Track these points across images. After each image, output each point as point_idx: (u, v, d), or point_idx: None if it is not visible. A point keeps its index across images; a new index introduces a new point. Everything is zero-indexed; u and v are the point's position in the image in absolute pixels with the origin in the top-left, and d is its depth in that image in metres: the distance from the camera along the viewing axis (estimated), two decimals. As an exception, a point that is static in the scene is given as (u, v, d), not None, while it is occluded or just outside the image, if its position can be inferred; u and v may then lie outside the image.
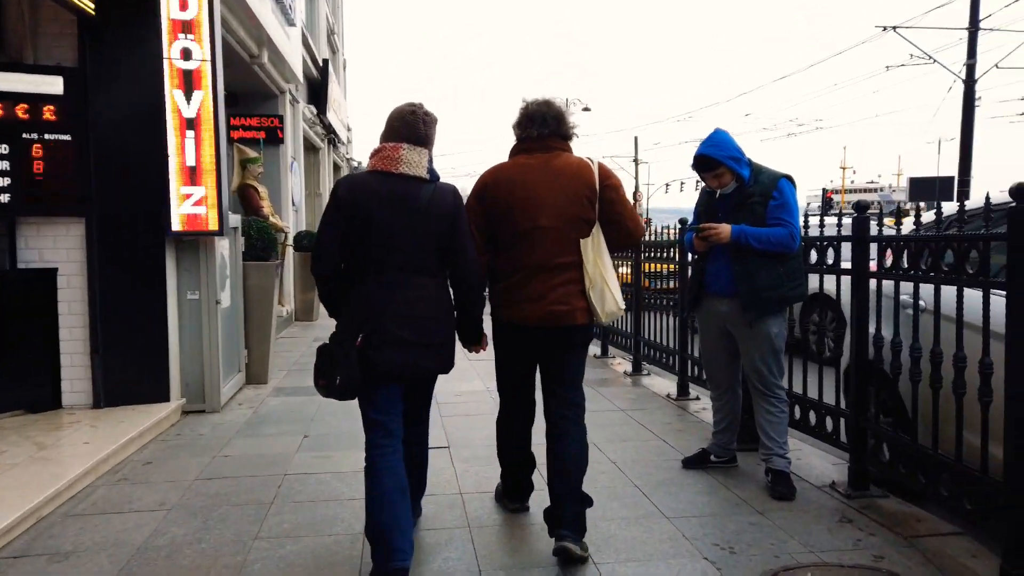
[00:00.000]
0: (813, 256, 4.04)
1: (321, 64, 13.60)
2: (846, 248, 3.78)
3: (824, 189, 27.35)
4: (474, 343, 3.08)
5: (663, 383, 6.39)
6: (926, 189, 26.24)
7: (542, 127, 3.01)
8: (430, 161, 2.80)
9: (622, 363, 7.41)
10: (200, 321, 5.26)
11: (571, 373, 3.08)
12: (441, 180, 2.83)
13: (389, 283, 2.68)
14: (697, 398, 5.72)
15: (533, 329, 2.97)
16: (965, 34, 18.82)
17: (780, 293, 3.64)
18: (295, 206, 11.36)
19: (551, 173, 2.97)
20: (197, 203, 4.93)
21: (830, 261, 3.96)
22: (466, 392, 6.02)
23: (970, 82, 19.08)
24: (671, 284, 6.71)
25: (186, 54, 4.83)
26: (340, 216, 2.68)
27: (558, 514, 2.90)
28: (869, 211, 3.76)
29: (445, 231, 2.76)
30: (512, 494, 3.44)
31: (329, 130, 15.68)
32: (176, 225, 4.90)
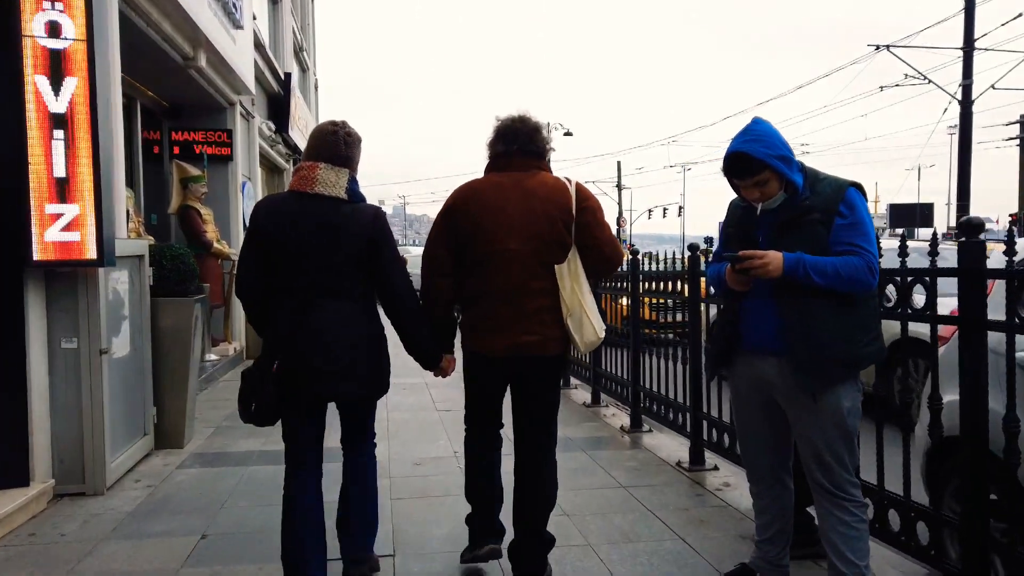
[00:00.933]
0: (889, 294, 2.96)
1: (283, 77, 12.50)
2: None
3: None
4: (428, 366, 2.95)
5: (670, 444, 5.27)
6: (906, 216, 25.85)
7: (516, 143, 2.84)
8: (352, 182, 2.70)
9: (617, 414, 6.26)
10: (79, 376, 4.06)
11: (541, 411, 2.92)
12: (367, 202, 2.74)
13: (301, 306, 2.61)
14: (715, 467, 4.58)
15: (501, 360, 2.79)
16: (960, 54, 18.19)
17: (852, 351, 2.53)
18: (247, 231, 10.18)
19: (524, 192, 2.79)
20: (69, 226, 3.76)
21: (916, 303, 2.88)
22: (428, 460, 4.81)
23: (967, 103, 18.44)
24: (678, 316, 5.65)
25: (53, 29, 3.69)
26: (259, 238, 2.65)
27: (520, 553, 2.89)
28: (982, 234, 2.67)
29: (363, 252, 2.66)
30: (479, 536, 3.04)
31: (294, 150, 14.55)
32: (39, 253, 3.72)
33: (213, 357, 8.32)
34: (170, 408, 5.12)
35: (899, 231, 22.19)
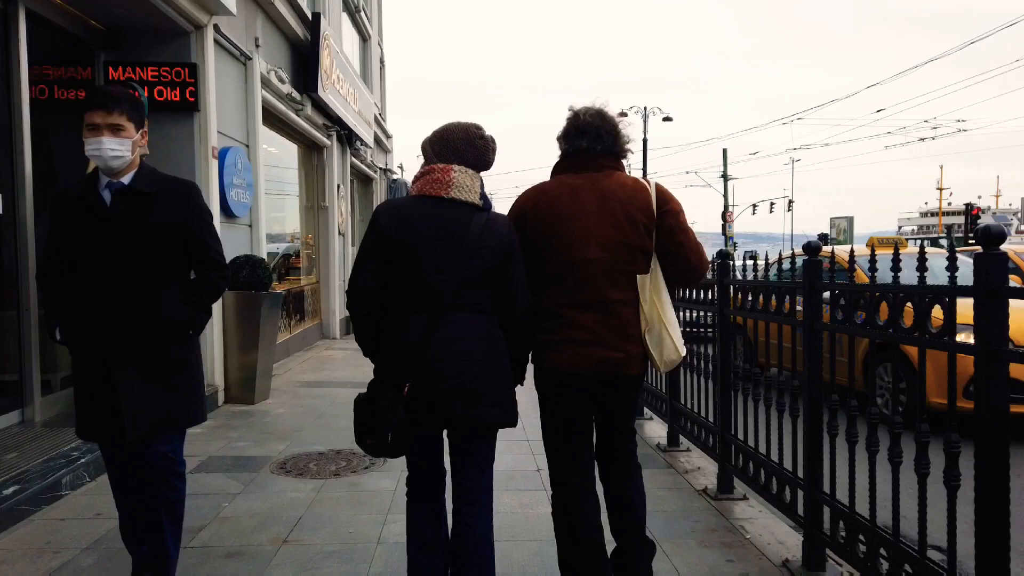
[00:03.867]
0: None
1: (311, 18, 9.56)
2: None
3: (968, 205, 21.83)
4: (520, 379, 2.62)
5: (775, 527, 3.66)
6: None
7: (594, 141, 2.57)
8: (482, 187, 2.46)
9: (702, 467, 4.76)
10: None
11: (623, 423, 2.72)
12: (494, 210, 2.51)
13: (432, 322, 2.34)
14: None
15: (580, 377, 2.52)
16: None
17: None
18: (235, 216, 7.20)
19: (601, 195, 2.53)
20: None
21: None
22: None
23: None
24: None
25: None
26: (379, 247, 2.39)
27: (627, 562, 2.68)
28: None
29: (495, 267, 2.41)
30: None
31: (335, 121, 11.65)
32: None
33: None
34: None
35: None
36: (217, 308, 6.50)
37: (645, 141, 36.09)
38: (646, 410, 6.16)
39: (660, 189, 2.60)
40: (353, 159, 14.06)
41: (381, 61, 19.61)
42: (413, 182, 2.47)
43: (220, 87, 6.71)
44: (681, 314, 4.90)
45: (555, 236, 2.52)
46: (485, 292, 2.42)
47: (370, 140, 14.93)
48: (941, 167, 77.82)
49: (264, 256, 7.88)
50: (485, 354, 2.38)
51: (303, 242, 12.00)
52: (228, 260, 6.83)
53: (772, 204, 56.01)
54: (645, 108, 35.99)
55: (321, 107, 10.68)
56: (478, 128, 2.52)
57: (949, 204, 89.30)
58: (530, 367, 2.67)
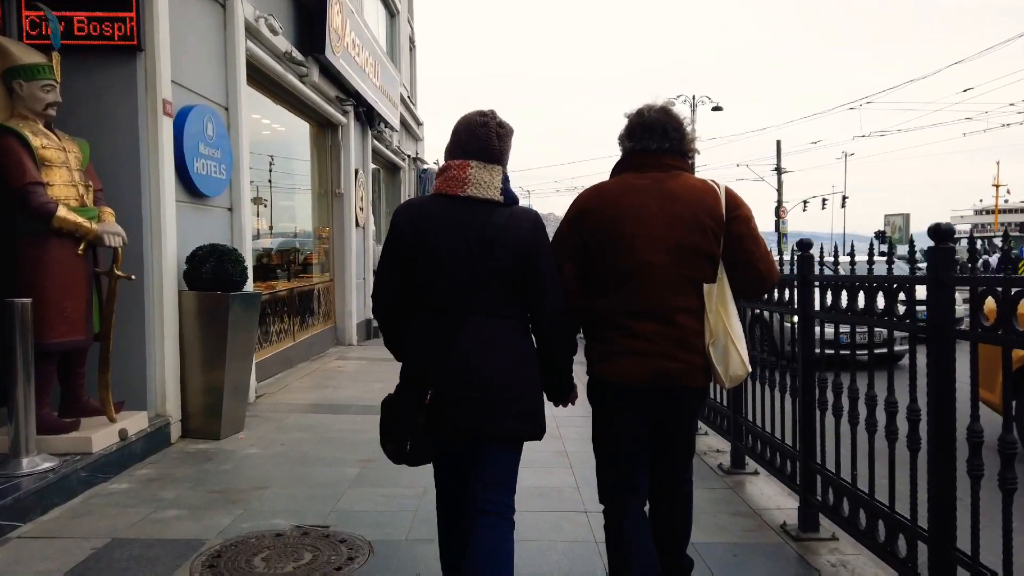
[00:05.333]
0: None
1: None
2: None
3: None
4: (561, 398, 2.49)
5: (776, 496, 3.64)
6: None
7: (661, 140, 2.42)
8: (505, 180, 2.31)
9: (774, 496, 3.87)
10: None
11: (681, 449, 2.55)
12: (520, 204, 2.36)
13: (450, 327, 2.22)
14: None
15: (637, 391, 2.36)
16: None
17: None
18: (204, 196, 5.65)
19: (667, 197, 2.37)
20: None
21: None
22: None
23: None
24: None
25: None
26: (398, 248, 2.29)
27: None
28: None
29: (521, 265, 2.25)
30: None
31: (351, 95, 10.12)
32: None
33: (47, 465, 3.81)
34: None
35: None
36: (171, 313, 4.96)
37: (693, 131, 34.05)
38: (699, 423, 5.00)
39: (730, 193, 2.44)
40: (376, 142, 12.51)
41: (411, 41, 18.09)
42: (434, 179, 2.33)
43: (180, 28, 5.16)
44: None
45: (615, 239, 2.36)
46: (509, 295, 2.27)
47: (396, 122, 13.37)
48: (998, 163, 74.17)
49: (248, 248, 6.33)
50: (503, 361, 2.24)
51: (316, 235, 10.50)
52: (191, 251, 5.35)
53: (824, 200, 53.57)
54: (693, 97, 34.14)
55: (332, 75, 9.14)
56: (483, 115, 2.33)
57: (1006, 201, 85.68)
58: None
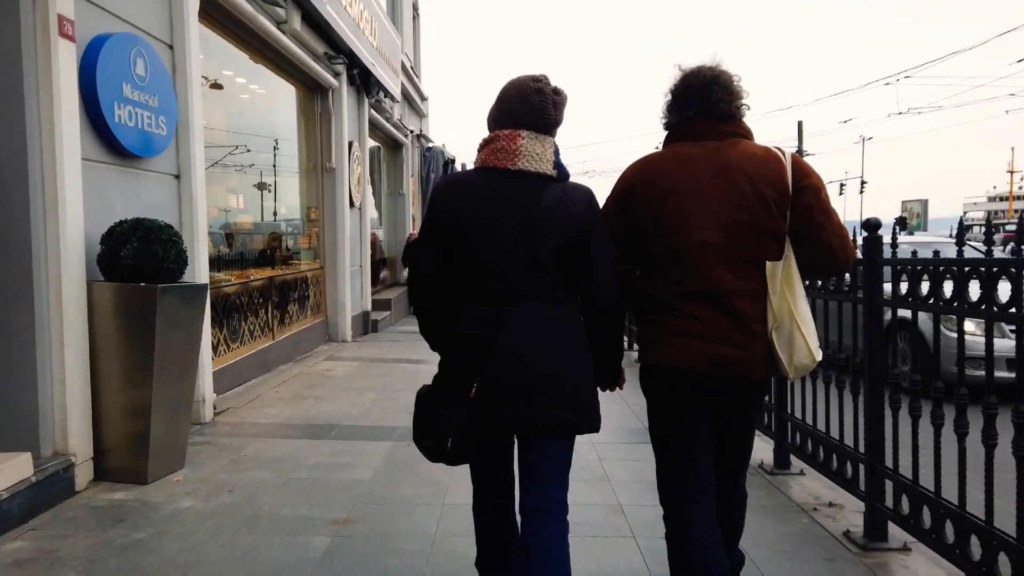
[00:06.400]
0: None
1: None
2: None
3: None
4: (609, 383, 2.32)
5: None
6: None
7: (712, 104, 2.19)
8: (556, 153, 2.14)
9: (831, 499, 3.56)
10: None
11: (740, 446, 2.34)
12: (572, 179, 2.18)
13: (497, 313, 2.05)
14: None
15: (693, 378, 2.16)
16: None
17: None
18: (134, 156, 4.26)
19: (724, 167, 2.16)
20: None
21: None
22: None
23: None
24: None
25: None
26: (438, 229, 2.11)
27: None
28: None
29: (574, 246, 2.09)
30: None
31: (342, 52, 8.72)
32: None
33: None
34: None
35: None
36: (75, 313, 3.60)
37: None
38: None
39: (796, 160, 2.20)
40: (374, 113, 11.11)
41: (415, 9, 16.65)
42: (477, 152, 2.15)
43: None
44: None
45: (666, 215, 2.17)
46: (560, 278, 2.11)
47: (396, 91, 11.94)
48: (1012, 148, 72.48)
49: (201, 226, 4.96)
50: (555, 349, 2.06)
51: (305, 217, 9.14)
52: (107, 228, 4.00)
53: (843, 185, 52.11)
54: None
55: (318, 25, 7.74)
56: (536, 80, 2.12)
57: (1021, 188, 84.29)
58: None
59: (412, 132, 15.16)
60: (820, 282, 3.64)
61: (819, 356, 2.17)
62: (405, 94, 13.87)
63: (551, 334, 2.06)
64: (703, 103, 2.19)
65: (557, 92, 2.12)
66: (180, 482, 3.79)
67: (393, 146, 14.30)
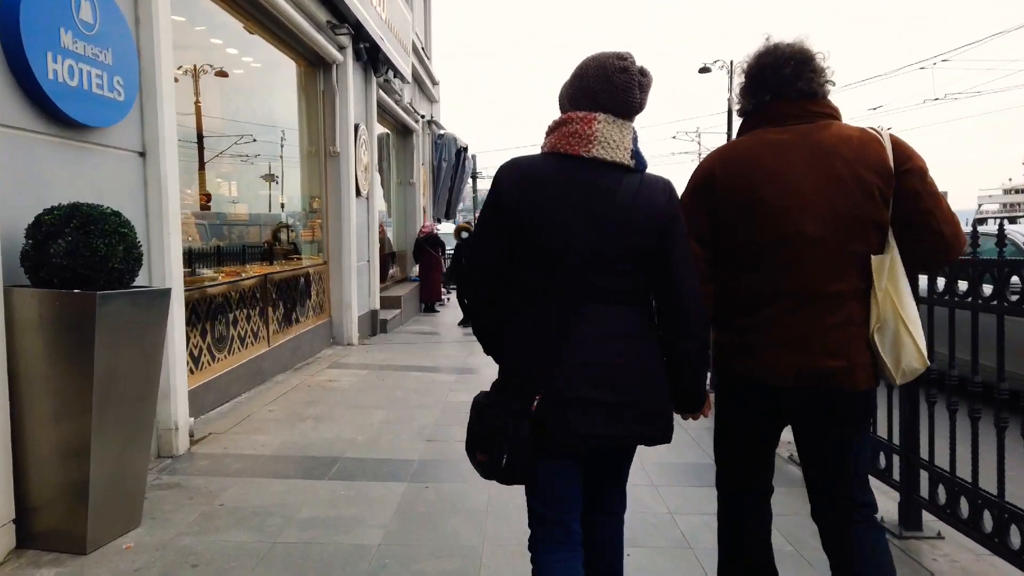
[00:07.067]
0: None
1: None
2: None
3: None
4: (692, 408, 2.03)
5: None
6: None
7: (790, 84, 2.01)
8: (635, 141, 1.91)
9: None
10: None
11: (853, 462, 2.05)
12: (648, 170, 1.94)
13: (566, 317, 1.84)
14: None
15: (784, 391, 1.98)
16: None
17: None
18: (80, 125, 3.35)
19: (818, 153, 1.95)
20: None
21: None
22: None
23: None
24: None
25: None
26: (500, 218, 1.88)
27: None
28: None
29: (652, 244, 1.87)
30: None
31: (348, 23, 7.80)
32: None
33: None
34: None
35: None
36: (-12, 329, 2.71)
37: (730, 101, 31.54)
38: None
39: (897, 142, 1.99)
40: (382, 94, 10.19)
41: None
42: (546, 136, 1.93)
43: None
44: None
45: (755, 207, 1.98)
46: (636, 279, 1.89)
47: (407, 71, 11.01)
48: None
49: (171, 215, 4.06)
50: (634, 358, 1.87)
51: (307, 207, 8.24)
52: (35, 215, 3.10)
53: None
54: (731, 63, 31.34)
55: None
56: (621, 58, 1.90)
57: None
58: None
59: (423, 117, 14.23)
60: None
61: (928, 361, 1.99)
62: (416, 76, 12.96)
63: (625, 340, 1.87)
64: (781, 83, 2.01)
65: (644, 73, 1.90)
66: (130, 549, 2.90)
67: (403, 132, 13.38)
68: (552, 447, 1.83)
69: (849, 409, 1.99)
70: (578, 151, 1.84)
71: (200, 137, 5.97)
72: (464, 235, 11.36)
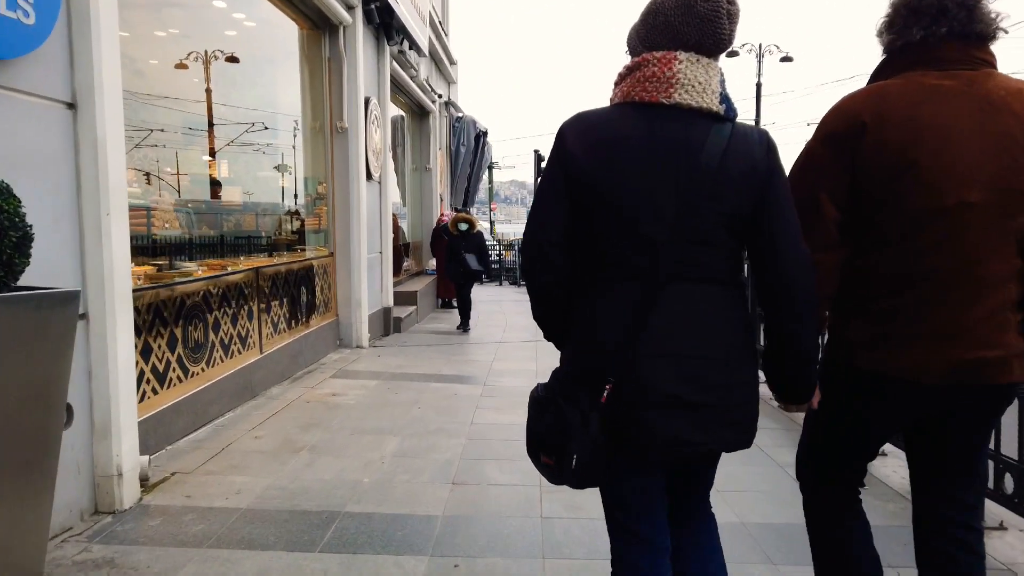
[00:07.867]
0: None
1: None
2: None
3: None
4: (799, 399, 1.76)
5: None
6: None
7: (970, 20, 1.70)
8: (723, 83, 1.61)
9: None
10: None
11: (977, 463, 1.88)
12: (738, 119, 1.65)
13: (643, 298, 1.56)
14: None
15: (929, 388, 1.72)
16: None
17: None
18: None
19: (987, 107, 1.66)
20: None
21: None
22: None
23: None
24: None
25: None
26: (565, 184, 1.60)
27: None
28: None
29: (748, 207, 1.58)
30: None
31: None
32: None
33: None
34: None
35: None
36: None
37: (759, 86, 30.32)
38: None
39: None
40: (396, 66, 9.14)
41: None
42: (615, 86, 1.65)
43: None
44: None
45: (910, 166, 1.67)
46: (729, 251, 1.61)
47: (423, 43, 9.94)
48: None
49: (116, 190, 3.04)
50: (726, 349, 1.59)
51: (311, 190, 7.24)
52: None
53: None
54: (760, 46, 30.06)
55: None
56: None
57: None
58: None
59: (440, 97, 13.17)
60: None
61: None
62: (432, 52, 11.89)
63: (716, 326, 1.58)
64: (959, 18, 1.69)
65: (732, 3, 1.60)
66: None
67: (419, 113, 12.33)
68: (631, 452, 1.61)
69: (998, 404, 1.81)
70: (657, 97, 1.57)
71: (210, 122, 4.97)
72: (463, 227, 9.37)
